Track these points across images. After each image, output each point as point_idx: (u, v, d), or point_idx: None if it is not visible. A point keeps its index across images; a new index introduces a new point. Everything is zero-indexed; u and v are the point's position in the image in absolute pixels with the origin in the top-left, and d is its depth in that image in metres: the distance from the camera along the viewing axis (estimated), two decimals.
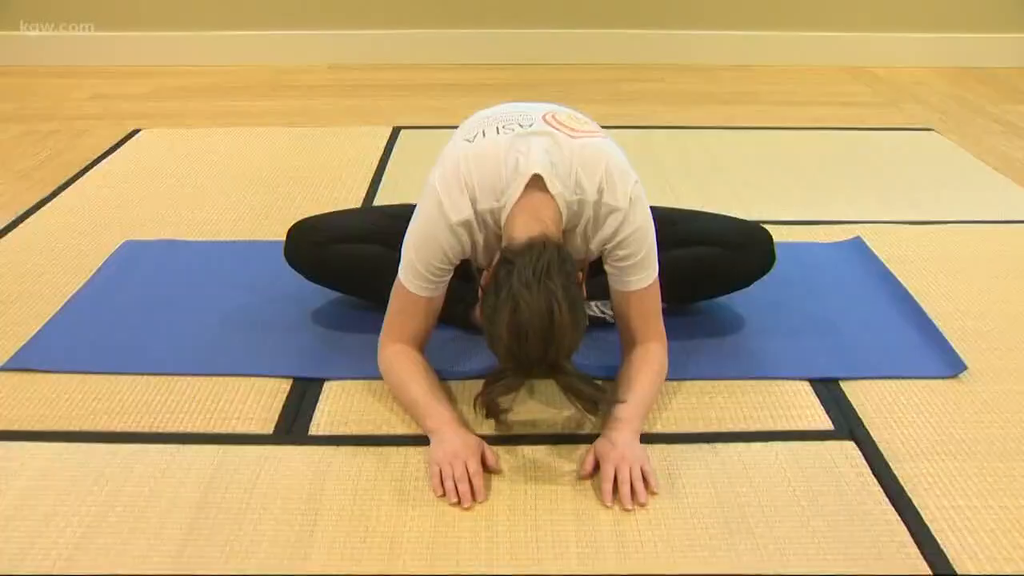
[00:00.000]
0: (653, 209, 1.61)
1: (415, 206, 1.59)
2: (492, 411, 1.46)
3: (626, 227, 1.52)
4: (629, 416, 1.48)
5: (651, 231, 1.56)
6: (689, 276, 1.77)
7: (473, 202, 1.50)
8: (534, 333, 1.32)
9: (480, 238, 1.53)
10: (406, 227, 1.57)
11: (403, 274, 1.56)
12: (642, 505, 1.37)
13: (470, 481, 1.39)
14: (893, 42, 4.05)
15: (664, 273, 1.64)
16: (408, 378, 1.56)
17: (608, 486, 1.39)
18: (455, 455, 1.41)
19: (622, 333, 1.63)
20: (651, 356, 1.59)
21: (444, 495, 1.39)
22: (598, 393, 1.43)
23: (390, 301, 1.61)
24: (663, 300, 1.65)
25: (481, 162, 1.52)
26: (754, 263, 1.80)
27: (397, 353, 1.59)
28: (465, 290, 1.78)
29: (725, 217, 1.87)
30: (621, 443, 1.43)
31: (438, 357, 1.68)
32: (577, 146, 1.54)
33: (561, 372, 1.37)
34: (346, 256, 1.79)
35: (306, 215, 1.88)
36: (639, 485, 1.39)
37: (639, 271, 1.56)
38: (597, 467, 1.43)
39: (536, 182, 1.48)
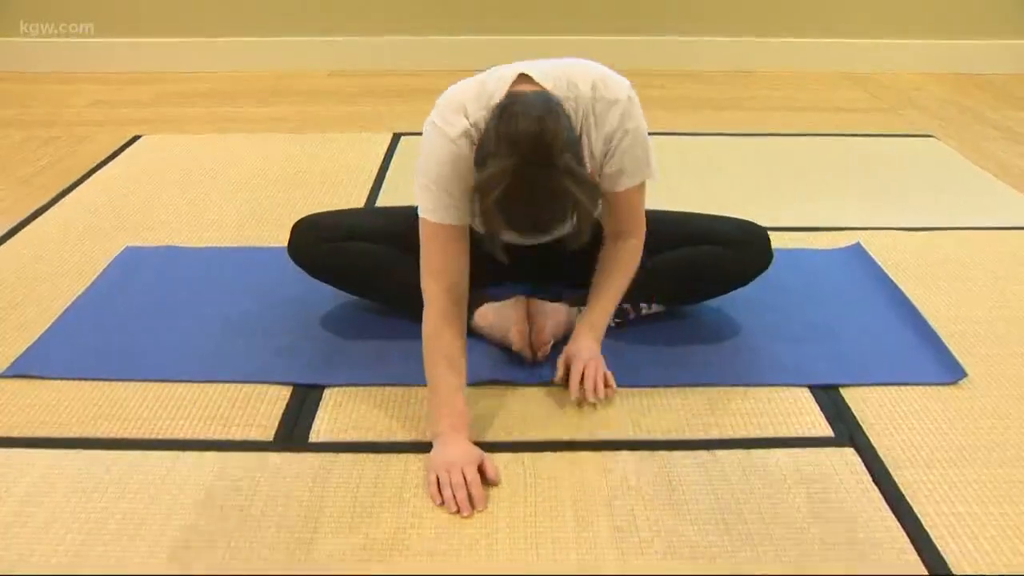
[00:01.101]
0: (651, 211, 1.62)
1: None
2: (490, 222, 1.34)
3: (629, 120, 1.53)
4: (593, 323, 1.65)
5: (645, 132, 1.57)
6: (688, 276, 1.79)
7: (466, 116, 1.49)
8: (526, 115, 1.31)
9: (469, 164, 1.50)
10: (409, 227, 1.57)
11: (422, 209, 1.53)
12: (601, 400, 1.59)
13: (469, 490, 1.39)
14: (892, 48, 4.06)
15: (664, 273, 1.66)
16: (437, 367, 1.52)
17: (575, 384, 1.57)
18: (452, 463, 1.42)
19: (607, 223, 1.67)
20: (627, 255, 1.67)
21: (443, 503, 1.39)
22: (593, 200, 1.35)
23: (421, 245, 1.56)
24: (663, 301, 1.67)
25: (467, 85, 1.54)
26: (752, 261, 1.81)
27: (440, 327, 1.53)
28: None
29: (722, 217, 1.87)
30: (586, 349, 1.62)
31: None
32: (561, 63, 1.55)
33: (556, 166, 1.29)
34: (348, 253, 1.79)
35: None
36: (600, 383, 1.58)
37: (638, 171, 1.58)
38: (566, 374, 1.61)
39: (524, 80, 1.48)
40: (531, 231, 1.36)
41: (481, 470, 1.43)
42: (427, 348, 1.55)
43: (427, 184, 1.52)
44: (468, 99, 1.50)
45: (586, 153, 1.53)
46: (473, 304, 1.76)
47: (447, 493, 1.38)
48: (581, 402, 1.61)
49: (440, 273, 1.54)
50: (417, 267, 1.57)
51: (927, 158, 2.95)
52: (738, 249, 1.79)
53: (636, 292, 1.75)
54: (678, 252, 1.77)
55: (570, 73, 1.52)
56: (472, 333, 1.77)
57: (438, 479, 1.40)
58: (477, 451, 1.46)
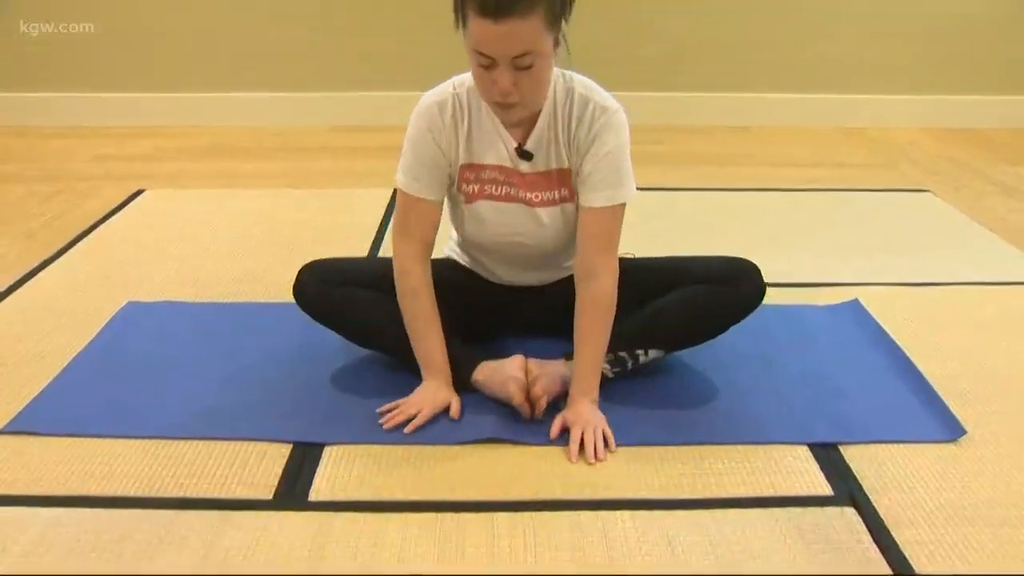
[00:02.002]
0: (640, 258, 1.66)
1: None
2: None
3: (610, 128, 1.65)
4: (583, 389, 1.70)
5: (628, 151, 1.68)
6: (684, 318, 1.80)
7: (452, 87, 1.69)
8: None
9: (465, 119, 1.68)
10: None
11: (398, 179, 1.73)
12: (601, 460, 1.62)
13: (412, 418, 1.68)
14: (887, 103, 4.12)
15: (659, 318, 1.75)
16: (416, 322, 1.75)
17: (575, 447, 1.63)
18: (422, 400, 1.71)
19: (578, 253, 1.72)
20: (600, 304, 1.69)
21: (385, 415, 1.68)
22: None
23: (395, 208, 1.77)
24: (661, 346, 1.72)
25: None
26: (744, 296, 1.81)
27: (414, 288, 1.73)
28: (464, 354, 1.80)
29: (709, 256, 1.88)
30: (585, 412, 1.67)
31: (434, 424, 1.71)
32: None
33: None
34: (351, 299, 1.82)
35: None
36: (600, 445, 1.63)
37: (613, 187, 1.67)
38: (563, 431, 1.67)
39: None
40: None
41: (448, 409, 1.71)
42: (403, 297, 1.74)
43: (405, 152, 1.71)
44: (455, 79, 1.70)
45: (569, 141, 1.68)
46: (473, 361, 1.78)
47: (394, 412, 1.69)
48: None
49: (410, 232, 1.74)
50: None
51: (923, 213, 2.98)
52: (730, 285, 1.80)
53: (633, 340, 1.78)
54: (671, 296, 1.80)
55: (569, 75, 1.70)
56: (471, 389, 1.78)
57: (401, 405, 1.70)
58: (446, 396, 1.73)
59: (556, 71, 1.66)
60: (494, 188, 1.74)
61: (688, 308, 1.80)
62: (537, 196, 1.74)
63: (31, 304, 2.25)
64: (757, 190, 3.18)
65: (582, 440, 1.63)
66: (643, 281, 1.80)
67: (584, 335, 1.71)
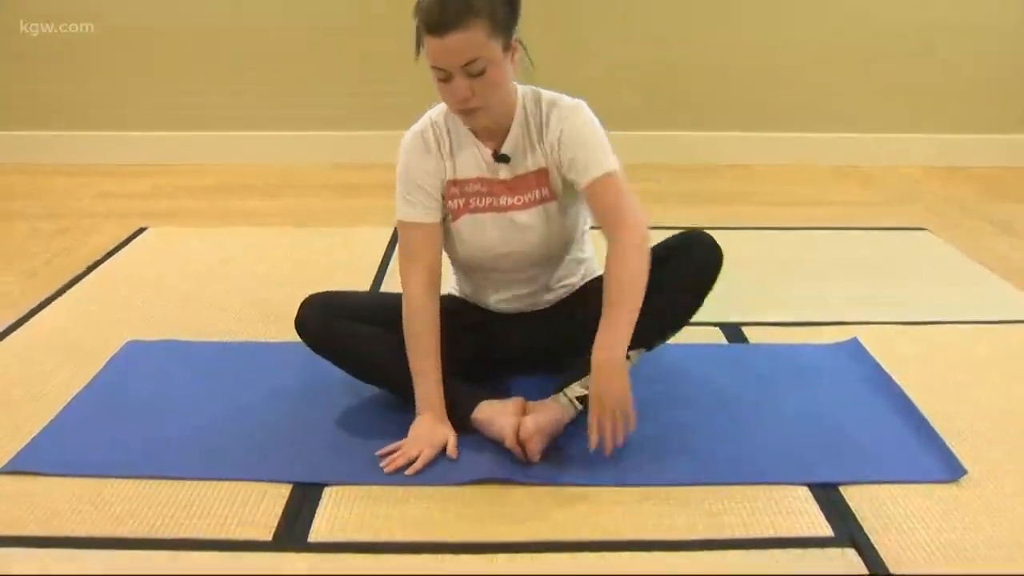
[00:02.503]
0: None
1: None
2: (418, 30, 1.62)
3: (577, 116, 1.75)
4: (610, 342, 1.62)
5: (600, 129, 1.76)
6: (651, 301, 1.70)
7: (429, 115, 1.82)
8: None
9: (446, 140, 1.79)
10: None
11: (396, 210, 1.81)
12: (618, 446, 1.66)
13: (412, 461, 1.68)
14: (886, 142, 4.15)
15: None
16: (419, 357, 1.77)
17: (594, 436, 1.64)
18: (419, 439, 1.72)
19: (600, 227, 1.75)
20: (619, 256, 1.67)
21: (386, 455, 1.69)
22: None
23: (398, 242, 1.85)
24: (640, 341, 1.72)
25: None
26: (698, 261, 1.82)
27: (417, 309, 1.78)
28: (465, 392, 1.80)
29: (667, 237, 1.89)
30: (604, 382, 1.62)
31: (434, 464, 1.71)
32: None
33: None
34: (356, 334, 1.83)
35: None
36: (618, 433, 1.65)
37: (595, 162, 1.71)
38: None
39: None
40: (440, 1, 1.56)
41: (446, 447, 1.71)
42: (409, 325, 1.77)
43: (398, 184, 1.80)
44: (431, 110, 1.83)
45: (542, 140, 1.77)
46: (474, 399, 1.78)
47: (395, 456, 1.69)
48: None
49: (414, 257, 1.79)
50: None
51: (923, 252, 2.99)
52: (683, 252, 1.82)
53: None
54: None
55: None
56: (469, 428, 1.78)
57: (400, 447, 1.70)
58: (445, 432, 1.74)
59: (525, 88, 1.78)
60: (477, 200, 1.81)
61: (653, 289, 1.71)
62: (519, 199, 1.79)
63: (32, 342, 2.26)
64: (756, 228, 3.19)
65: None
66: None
67: (606, 294, 1.66)
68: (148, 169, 3.95)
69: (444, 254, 1.89)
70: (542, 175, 1.79)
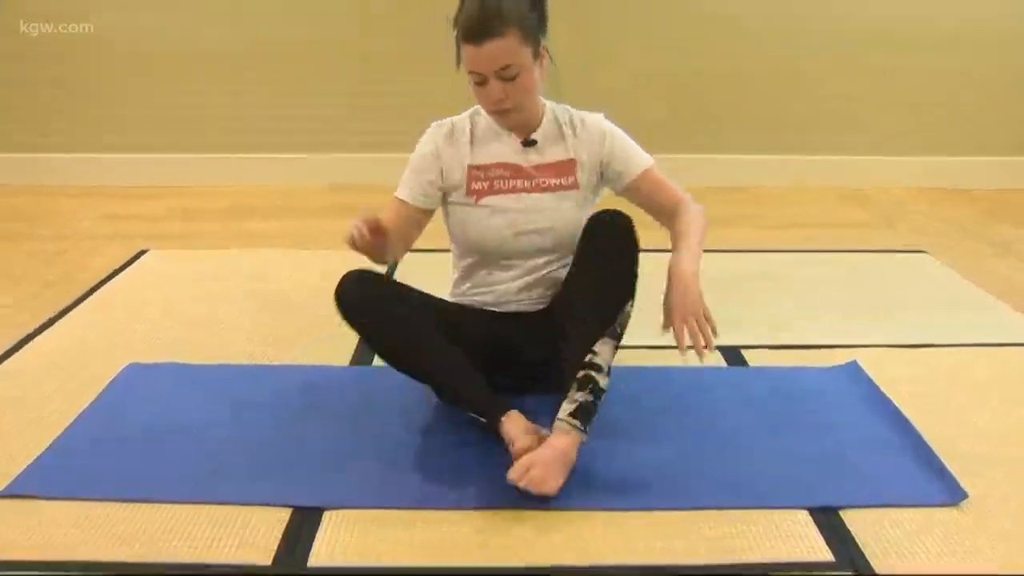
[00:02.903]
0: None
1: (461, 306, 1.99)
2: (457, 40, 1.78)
3: (606, 125, 1.96)
4: (687, 246, 1.84)
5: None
6: (577, 291, 1.84)
7: (460, 113, 1.97)
8: None
9: (468, 131, 1.93)
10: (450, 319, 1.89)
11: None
12: (711, 351, 1.73)
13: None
14: (884, 164, 4.17)
15: (570, 311, 1.82)
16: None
17: (682, 340, 1.71)
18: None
19: (658, 216, 1.97)
20: (687, 210, 1.91)
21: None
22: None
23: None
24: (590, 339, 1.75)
25: None
26: (611, 233, 1.81)
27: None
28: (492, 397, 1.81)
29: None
30: (682, 287, 1.75)
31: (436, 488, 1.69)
32: None
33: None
34: (396, 312, 1.81)
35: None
36: (708, 336, 1.73)
37: (639, 158, 1.95)
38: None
39: None
40: (479, 13, 1.71)
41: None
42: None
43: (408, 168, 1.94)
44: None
45: (575, 135, 1.93)
46: (502, 406, 1.79)
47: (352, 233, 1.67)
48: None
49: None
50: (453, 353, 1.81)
51: (921, 274, 3.00)
52: (593, 231, 1.84)
53: (577, 353, 1.76)
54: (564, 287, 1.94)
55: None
56: (496, 432, 1.77)
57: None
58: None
59: (550, 103, 1.95)
60: (501, 183, 1.92)
61: (571, 280, 1.89)
62: (544, 182, 1.93)
63: (33, 365, 2.26)
64: (754, 251, 3.20)
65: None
66: (560, 308, 1.90)
67: (680, 231, 1.90)
68: (151, 191, 3.96)
69: (453, 249, 2.04)
70: (570, 164, 1.93)
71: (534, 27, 1.79)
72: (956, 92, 4.09)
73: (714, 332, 1.74)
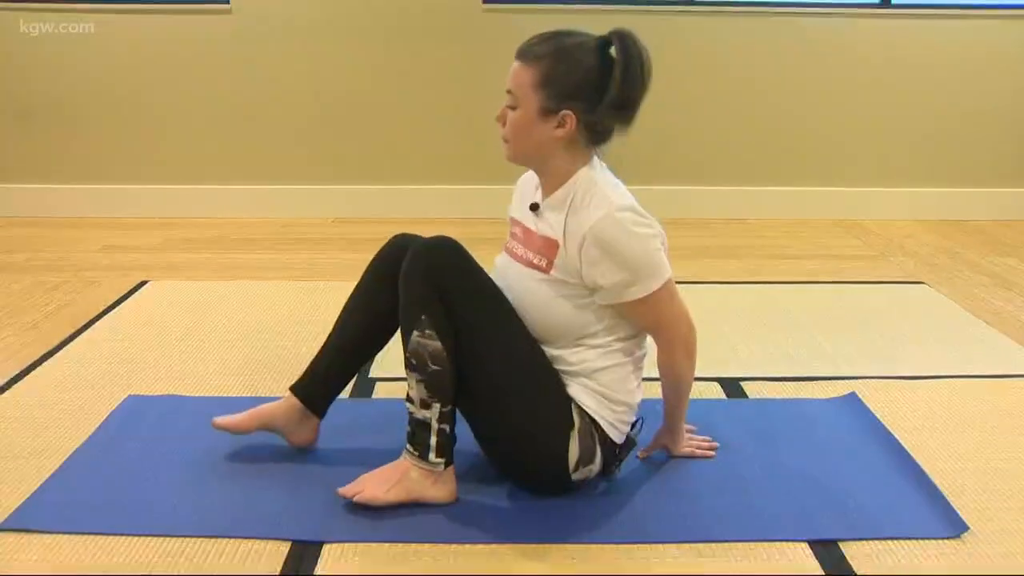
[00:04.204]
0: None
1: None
2: None
3: (615, 226, 1.65)
4: (669, 429, 1.93)
5: (638, 249, 1.67)
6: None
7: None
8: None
9: (528, 183, 1.87)
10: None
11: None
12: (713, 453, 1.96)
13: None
14: (883, 196, 4.19)
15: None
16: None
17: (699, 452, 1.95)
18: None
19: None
20: (671, 368, 1.81)
21: None
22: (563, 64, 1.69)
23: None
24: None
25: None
26: (404, 260, 1.73)
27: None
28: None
29: None
30: (676, 444, 1.95)
31: (433, 522, 1.69)
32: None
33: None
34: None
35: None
36: (704, 448, 1.98)
37: (635, 280, 1.67)
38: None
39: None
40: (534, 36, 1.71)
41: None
42: None
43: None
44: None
45: (573, 214, 1.70)
46: None
47: None
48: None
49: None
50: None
51: (919, 305, 3.00)
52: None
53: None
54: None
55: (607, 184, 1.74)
56: None
57: None
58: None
59: (591, 174, 1.73)
60: (512, 243, 1.87)
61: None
62: (524, 255, 1.79)
63: (32, 397, 2.26)
64: (753, 283, 3.21)
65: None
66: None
67: (665, 396, 1.89)
68: (151, 222, 3.98)
69: None
70: (551, 245, 1.72)
71: (561, 85, 1.65)
72: (954, 125, 4.12)
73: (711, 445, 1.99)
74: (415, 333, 1.67)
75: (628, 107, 1.70)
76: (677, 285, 1.75)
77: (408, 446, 1.75)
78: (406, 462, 1.76)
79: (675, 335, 1.77)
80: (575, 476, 1.74)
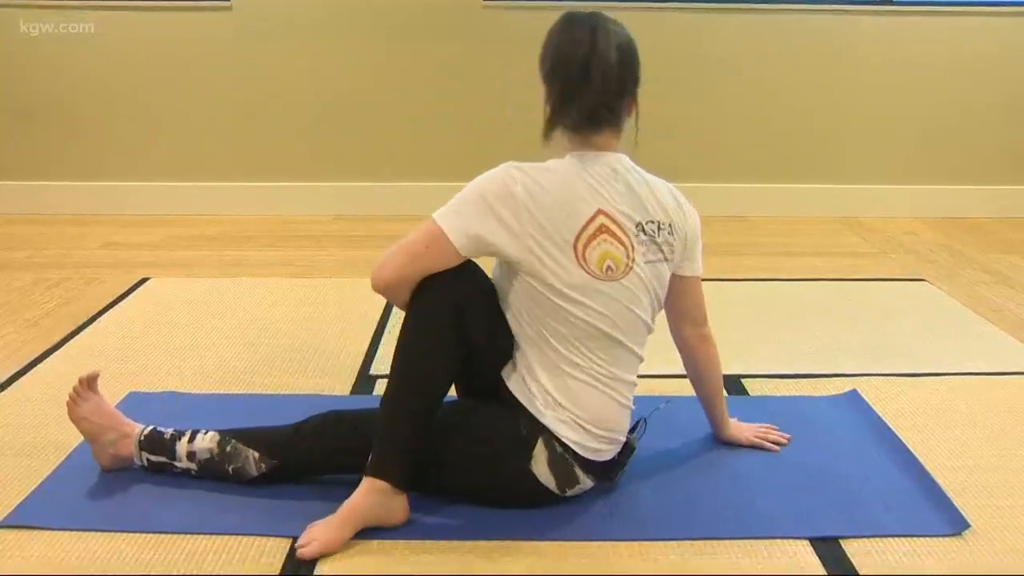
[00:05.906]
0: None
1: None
2: None
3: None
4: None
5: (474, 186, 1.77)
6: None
7: None
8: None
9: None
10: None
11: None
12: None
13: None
14: (883, 193, 4.19)
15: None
16: None
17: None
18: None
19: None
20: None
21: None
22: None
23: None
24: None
25: None
26: None
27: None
28: None
29: None
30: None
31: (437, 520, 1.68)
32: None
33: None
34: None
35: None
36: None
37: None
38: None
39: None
40: None
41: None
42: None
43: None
44: None
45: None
46: None
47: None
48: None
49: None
50: None
51: (920, 303, 3.00)
52: None
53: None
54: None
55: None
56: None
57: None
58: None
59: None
60: None
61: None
62: None
63: (34, 393, 2.26)
64: (755, 280, 3.21)
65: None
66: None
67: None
68: (152, 219, 3.99)
69: None
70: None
71: (546, 81, 1.78)
72: (955, 122, 4.12)
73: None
74: None
75: (554, 89, 1.75)
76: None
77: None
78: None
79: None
80: (569, 494, 1.73)
